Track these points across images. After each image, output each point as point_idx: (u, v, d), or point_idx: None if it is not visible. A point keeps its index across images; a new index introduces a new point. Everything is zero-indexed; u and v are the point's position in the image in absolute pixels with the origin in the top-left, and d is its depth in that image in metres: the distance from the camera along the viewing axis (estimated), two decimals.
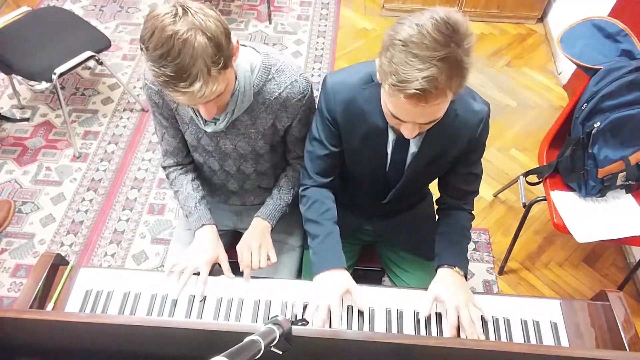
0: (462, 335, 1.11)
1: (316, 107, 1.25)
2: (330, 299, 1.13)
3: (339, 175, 1.33)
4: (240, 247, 1.28)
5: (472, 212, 1.34)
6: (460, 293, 1.15)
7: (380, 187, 1.31)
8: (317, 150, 1.25)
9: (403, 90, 0.89)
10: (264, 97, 1.19)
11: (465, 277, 1.21)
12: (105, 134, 2.60)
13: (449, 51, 0.86)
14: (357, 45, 3.09)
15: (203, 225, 1.30)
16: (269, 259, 1.28)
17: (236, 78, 1.12)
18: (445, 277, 1.19)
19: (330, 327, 1.12)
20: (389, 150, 1.20)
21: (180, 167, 1.39)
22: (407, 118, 0.98)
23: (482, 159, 1.26)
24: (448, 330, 1.12)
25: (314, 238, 1.26)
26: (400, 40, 0.89)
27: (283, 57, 1.20)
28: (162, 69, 0.93)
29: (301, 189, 1.33)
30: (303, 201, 1.32)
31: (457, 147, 1.18)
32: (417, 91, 0.88)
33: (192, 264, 1.22)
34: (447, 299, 1.14)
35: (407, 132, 1.02)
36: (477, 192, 1.32)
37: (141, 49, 0.96)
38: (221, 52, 0.96)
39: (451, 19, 0.87)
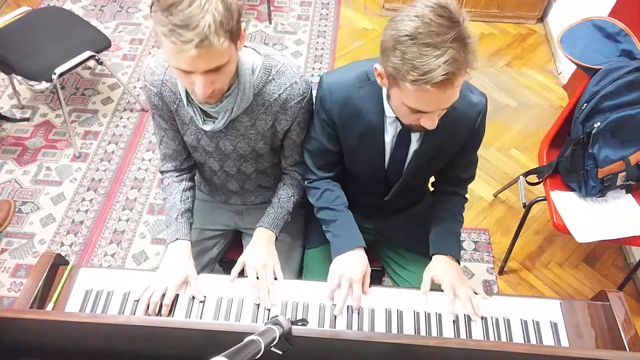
0: (460, 311, 1.16)
1: (313, 107, 1.26)
2: (354, 276, 1.18)
3: (341, 169, 1.34)
4: (247, 267, 1.22)
5: (467, 195, 1.38)
6: (455, 274, 1.20)
7: (380, 185, 1.32)
8: (316, 148, 1.27)
9: (430, 81, 0.90)
10: (263, 99, 1.18)
11: (458, 262, 1.26)
12: (105, 134, 2.60)
13: (456, 30, 0.89)
14: (357, 45, 3.09)
15: (177, 239, 1.25)
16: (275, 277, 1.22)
17: (237, 76, 1.11)
18: (440, 261, 1.25)
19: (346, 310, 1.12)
20: (387, 148, 1.21)
21: (177, 173, 1.36)
22: (432, 107, 0.99)
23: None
24: (446, 306, 1.16)
25: (330, 223, 1.29)
26: (406, 36, 0.90)
27: (284, 58, 1.20)
28: (170, 17, 0.90)
29: (307, 182, 1.35)
30: (312, 193, 1.33)
31: (457, 139, 1.19)
32: (444, 77, 0.89)
33: (161, 286, 1.17)
34: (443, 278, 1.19)
35: (431, 122, 1.02)
36: (473, 178, 1.36)
37: (150, 8, 0.93)
38: (232, 18, 0.94)
39: (442, 1, 0.90)
